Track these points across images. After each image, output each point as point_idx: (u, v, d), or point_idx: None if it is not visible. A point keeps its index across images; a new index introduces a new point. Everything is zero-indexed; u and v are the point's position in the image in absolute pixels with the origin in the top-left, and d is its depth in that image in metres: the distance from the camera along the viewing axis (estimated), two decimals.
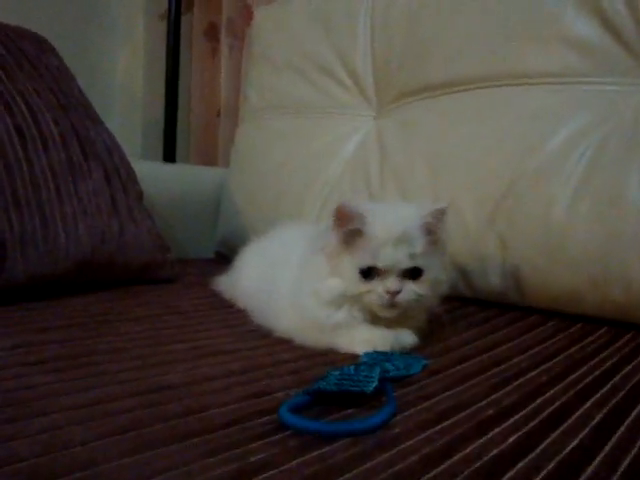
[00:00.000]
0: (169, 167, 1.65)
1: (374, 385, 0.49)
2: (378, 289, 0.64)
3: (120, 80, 1.90)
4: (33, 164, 0.89)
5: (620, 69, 0.85)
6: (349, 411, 0.47)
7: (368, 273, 0.64)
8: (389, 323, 0.66)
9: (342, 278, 0.65)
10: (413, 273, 0.65)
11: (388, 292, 0.63)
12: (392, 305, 0.64)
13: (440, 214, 0.67)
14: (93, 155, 1.00)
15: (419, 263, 0.65)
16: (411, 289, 0.64)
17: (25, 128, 0.90)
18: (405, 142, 1.09)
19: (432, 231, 0.67)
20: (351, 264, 0.65)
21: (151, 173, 1.37)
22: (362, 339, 0.65)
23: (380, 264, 0.63)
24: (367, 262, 0.64)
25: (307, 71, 1.32)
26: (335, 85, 1.27)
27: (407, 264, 0.64)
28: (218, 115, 1.88)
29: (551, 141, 0.87)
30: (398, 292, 0.63)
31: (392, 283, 0.63)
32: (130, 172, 1.08)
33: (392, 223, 0.64)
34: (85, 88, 1.13)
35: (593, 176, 0.82)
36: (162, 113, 1.77)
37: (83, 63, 1.71)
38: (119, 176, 1.04)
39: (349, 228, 0.64)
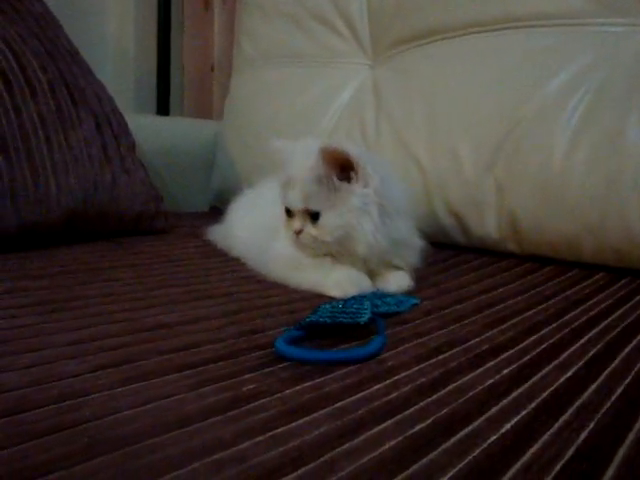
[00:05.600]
0: (162, 120, 1.61)
1: (367, 316, 0.48)
2: (290, 228, 0.67)
3: (111, 33, 1.85)
4: (21, 112, 0.86)
5: (622, 9, 0.83)
6: (341, 346, 0.47)
7: (288, 213, 0.68)
8: (372, 267, 0.67)
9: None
10: (314, 216, 0.65)
11: (294, 231, 0.66)
12: (298, 242, 0.66)
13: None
14: (83, 103, 0.98)
15: (312, 206, 0.64)
16: (307, 231, 0.65)
17: (11, 74, 0.87)
18: (401, 90, 1.06)
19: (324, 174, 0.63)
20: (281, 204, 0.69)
21: (144, 126, 1.34)
22: (336, 281, 0.64)
23: (285, 204, 0.67)
24: (283, 202, 0.68)
25: (302, 19, 1.28)
26: (330, 33, 1.24)
27: (298, 206, 0.65)
28: (212, 70, 1.84)
29: (550, 85, 0.85)
30: (301, 231, 0.65)
31: (295, 223, 0.66)
32: (122, 122, 1.06)
33: (297, 162, 0.65)
34: (75, 41, 1.09)
35: (592, 119, 0.80)
36: (155, 68, 1.73)
37: (72, 14, 1.66)
38: (110, 125, 1.02)
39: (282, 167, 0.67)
